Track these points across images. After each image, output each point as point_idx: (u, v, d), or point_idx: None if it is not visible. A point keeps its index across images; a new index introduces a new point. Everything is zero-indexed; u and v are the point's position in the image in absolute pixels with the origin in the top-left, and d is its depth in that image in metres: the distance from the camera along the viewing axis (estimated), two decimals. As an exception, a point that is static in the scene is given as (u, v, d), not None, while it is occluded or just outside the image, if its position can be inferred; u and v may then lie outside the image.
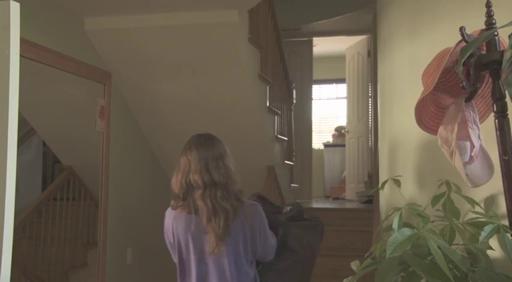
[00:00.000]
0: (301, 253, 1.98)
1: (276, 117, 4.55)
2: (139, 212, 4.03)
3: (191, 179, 1.76)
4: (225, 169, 1.80)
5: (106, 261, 3.42)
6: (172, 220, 1.81)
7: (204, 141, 1.85)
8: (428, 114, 1.42)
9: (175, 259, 1.84)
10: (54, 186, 3.91)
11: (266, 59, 4.09)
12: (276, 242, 1.92)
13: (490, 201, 1.39)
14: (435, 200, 1.39)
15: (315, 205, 5.43)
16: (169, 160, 4.35)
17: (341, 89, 8.14)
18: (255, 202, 1.91)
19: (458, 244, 1.28)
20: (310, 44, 6.71)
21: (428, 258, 1.17)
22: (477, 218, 1.27)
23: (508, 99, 1.18)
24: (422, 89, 1.35)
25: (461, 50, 1.15)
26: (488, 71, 1.23)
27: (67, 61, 3.01)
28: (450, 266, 1.15)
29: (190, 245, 1.76)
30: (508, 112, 1.20)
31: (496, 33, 1.21)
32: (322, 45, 7.06)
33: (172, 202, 1.85)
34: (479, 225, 1.21)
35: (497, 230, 1.12)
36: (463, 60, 1.14)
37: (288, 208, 2.18)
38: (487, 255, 1.24)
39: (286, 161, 4.94)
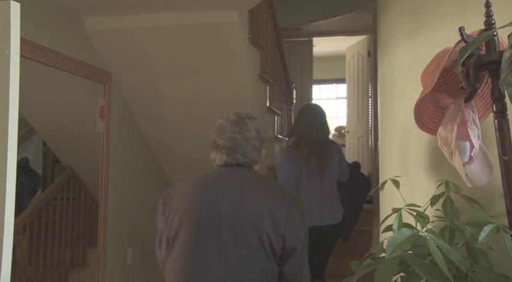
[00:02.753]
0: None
1: (276, 117, 4.56)
2: (139, 212, 4.03)
3: None
4: None
5: (106, 261, 3.42)
6: None
7: None
8: (428, 114, 1.42)
9: None
10: (54, 186, 3.90)
11: (266, 59, 4.09)
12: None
13: (490, 201, 1.39)
14: (435, 200, 1.39)
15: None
16: (170, 160, 4.36)
17: (341, 89, 8.14)
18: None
19: (458, 244, 1.28)
20: (310, 44, 6.71)
21: (428, 258, 1.17)
22: (477, 218, 1.27)
23: (507, 99, 1.18)
24: (422, 89, 1.35)
25: (460, 50, 1.16)
26: (487, 71, 1.23)
27: (67, 61, 3.01)
28: (450, 266, 1.15)
29: None
30: (507, 112, 1.20)
31: (495, 33, 1.22)
32: (322, 45, 7.06)
33: None
34: (479, 225, 1.21)
35: (497, 230, 1.12)
36: (461, 61, 1.14)
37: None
38: (486, 255, 1.24)
39: (286, 161, 4.94)
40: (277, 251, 1.60)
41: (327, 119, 3.24)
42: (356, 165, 3.68)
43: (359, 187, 3.38)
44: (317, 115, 3.20)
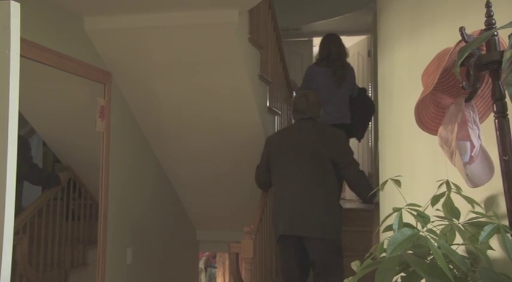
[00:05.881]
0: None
1: (276, 117, 4.55)
2: (139, 212, 4.03)
3: None
4: None
5: (106, 261, 3.42)
6: None
7: None
8: (428, 114, 1.42)
9: None
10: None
11: (266, 59, 4.09)
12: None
13: (490, 201, 1.39)
14: (435, 200, 1.39)
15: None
16: (169, 160, 4.36)
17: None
18: None
19: (458, 244, 1.28)
20: (310, 44, 6.70)
21: (428, 258, 1.17)
22: (477, 218, 1.27)
23: (507, 99, 1.18)
24: (422, 89, 1.35)
25: (459, 51, 1.16)
26: (488, 71, 1.23)
27: (67, 61, 3.01)
28: (450, 266, 1.15)
29: None
30: (508, 112, 1.20)
31: (495, 33, 1.21)
32: (322, 45, 7.03)
33: None
34: (479, 225, 1.21)
35: (497, 230, 1.12)
36: (460, 61, 1.14)
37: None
38: (487, 256, 1.24)
39: (286, 161, 4.93)
40: (335, 162, 3.13)
41: (344, 45, 4.27)
42: (364, 88, 4.67)
43: (367, 102, 4.51)
44: (337, 41, 4.25)
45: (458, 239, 1.29)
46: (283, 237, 3.16)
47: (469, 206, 1.35)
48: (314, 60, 4.75)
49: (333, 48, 4.18)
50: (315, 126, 3.24)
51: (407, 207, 1.28)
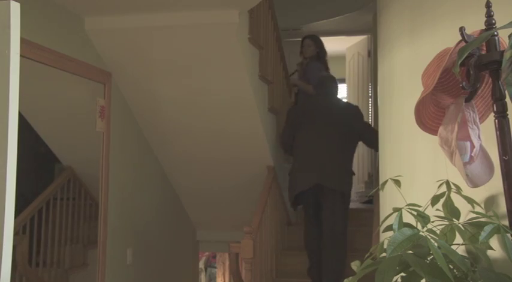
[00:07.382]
0: None
1: (276, 116, 4.55)
2: (140, 212, 4.03)
3: None
4: None
5: (106, 261, 3.42)
6: None
7: None
8: (428, 114, 1.42)
9: None
10: (54, 186, 3.90)
11: (266, 59, 4.09)
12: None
13: (490, 201, 1.39)
14: (435, 200, 1.39)
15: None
16: (169, 159, 4.36)
17: (341, 89, 8.11)
18: None
19: (459, 244, 1.28)
20: (310, 44, 6.68)
21: (428, 258, 1.17)
22: (477, 218, 1.27)
23: (508, 99, 1.18)
24: (422, 89, 1.35)
25: (459, 51, 1.16)
26: (488, 71, 1.23)
27: (67, 61, 3.01)
28: (450, 266, 1.15)
29: None
30: (508, 112, 1.20)
31: (495, 33, 1.21)
32: (322, 45, 7.03)
33: None
34: (479, 225, 1.21)
35: (497, 230, 1.12)
36: (460, 61, 1.14)
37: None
38: (487, 256, 1.24)
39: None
40: (353, 130, 3.78)
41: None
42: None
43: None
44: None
45: (458, 239, 1.29)
46: (302, 194, 3.68)
47: (469, 206, 1.35)
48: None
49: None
50: (339, 102, 4.00)
51: (407, 207, 1.28)
